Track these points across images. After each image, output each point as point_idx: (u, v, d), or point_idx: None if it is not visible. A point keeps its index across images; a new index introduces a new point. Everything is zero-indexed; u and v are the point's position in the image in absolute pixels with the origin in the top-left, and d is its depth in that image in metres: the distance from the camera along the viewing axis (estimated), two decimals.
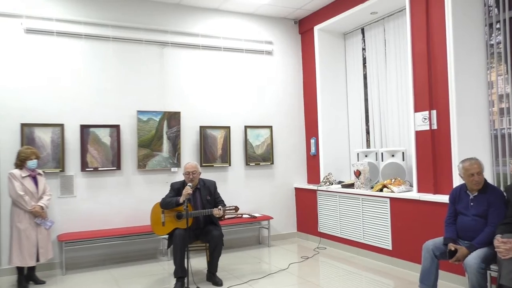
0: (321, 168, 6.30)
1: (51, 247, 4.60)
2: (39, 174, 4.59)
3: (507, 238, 3.00)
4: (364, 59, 6.12)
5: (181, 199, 4.19)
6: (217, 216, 4.27)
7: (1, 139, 4.86)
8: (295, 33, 6.75)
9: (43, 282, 4.55)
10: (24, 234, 4.33)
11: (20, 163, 4.43)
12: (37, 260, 4.41)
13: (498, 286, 3.04)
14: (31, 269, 4.52)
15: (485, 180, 3.49)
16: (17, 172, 4.40)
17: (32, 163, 4.45)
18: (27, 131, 4.92)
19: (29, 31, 5.03)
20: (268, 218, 6.07)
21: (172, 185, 4.53)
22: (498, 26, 4.33)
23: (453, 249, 3.33)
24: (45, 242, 4.48)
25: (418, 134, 4.61)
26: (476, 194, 3.46)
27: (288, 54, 6.67)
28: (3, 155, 4.83)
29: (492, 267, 3.26)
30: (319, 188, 6.05)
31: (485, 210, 3.37)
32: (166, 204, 4.33)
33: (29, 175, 4.45)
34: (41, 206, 4.42)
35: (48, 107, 5.09)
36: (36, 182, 4.51)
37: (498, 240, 3.03)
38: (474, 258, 3.15)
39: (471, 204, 3.46)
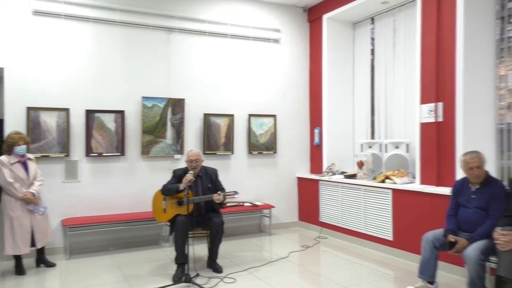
0: (324, 158, 6.30)
1: (49, 232, 4.61)
2: (29, 159, 4.50)
3: (507, 230, 3.00)
4: (373, 50, 6.07)
5: (181, 186, 4.22)
6: (217, 201, 4.28)
7: (7, 122, 4.87)
8: (304, 22, 6.70)
9: (53, 265, 4.61)
10: (17, 221, 4.27)
11: (8, 149, 4.31)
12: (34, 246, 4.41)
13: (497, 277, 3.05)
14: (41, 252, 4.58)
15: (488, 173, 3.48)
16: (5, 158, 4.29)
17: (20, 148, 4.34)
18: (33, 115, 4.95)
19: (37, 13, 5.01)
20: (269, 206, 6.09)
21: (175, 171, 4.55)
22: (511, 20, 4.26)
23: (453, 240, 3.34)
24: (41, 228, 4.45)
25: (423, 126, 4.59)
26: (478, 187, 3.46)
27: (296, 42, 6.63)
28: None
29: (492, 259, 3.26)
30: (322, 178, 6.05)
31: (486, 203, 3.37)
32: (167, 191, 4.37)
33: (18, 161, 4.34)
34: (32, 193, 4.35)
35: (54, 91, 5.10)
36: (26, 168, 4.41)
37: (498, 232, 3.03)
38: (473, 249, 3.16)
39: (473, 196, 3.46)
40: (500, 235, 3.00)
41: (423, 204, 4.46)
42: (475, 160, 3.42)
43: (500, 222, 3.18)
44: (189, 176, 4.17)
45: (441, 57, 4.43)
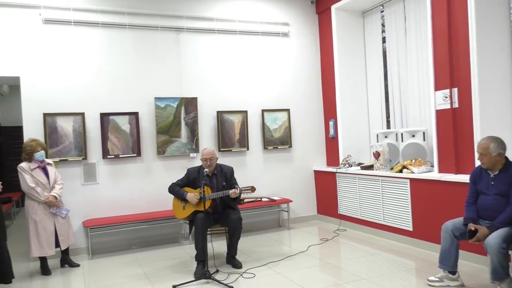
0: (340, 150, 6.25)
1: (72, 234, 4.75)
2: (49, 164, 4.65)
3: None
4: (384, 38, 5.97)
5: (188, 198, 4.34)
6: (233, 196, 4.29)
7: (26, 129, 5.01)
8: (312, 14, 6.63)
9: (77, 265, 4.74)
10: (41, 225, 4.43)
11: (28, 156, 4.46)
12: (58, 247, 4.56)
13: None
14: (65, 253, 4.72)
15: (507, 159, 3.38)
16: (25, 165, 4.44)
17: (39, 154, 4.47)
18: (49, 121, 5.07)
19: (48, 21, 5.13)
20: (287, 201, 6.09)
21: (189, 170, 4.59)
22: None
23: (473, 229, 3.26)
24: (64, 230, 4.59)
25: (439, 113, 4.49)
26: (497, 173, 3.36)
27: (305, 35, 6.57)
28: None
29: None
30: (338, 170, 6.01)
31: (506, 189, 3.28)
32: (174, 193, 4.47)
33: (38, 167, 4.49)
34: (55, 196, 4.50)
35: (69, 96, 5.20)
36: (46, 173, 4.56)
37: None
38: (495, 238, 3.08)
39: (492, 183, 3.37)
40: None
41: (442, 192, 4.38)
42: (481, 146, 3.37)
43: None
44: (194, 199, 4.29)
45: (453, 42, 4.32)
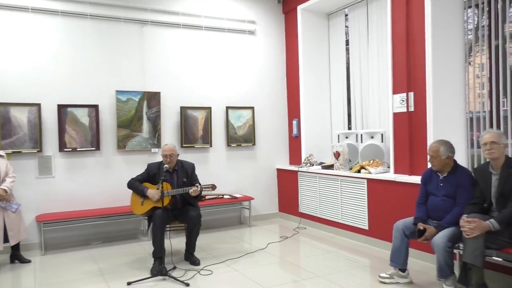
0: (303, 149, 6.34)
1: (23, 229, 4.56)
2: (0, 156, 4.46)
3: (473, 218, 3.07)
4: (347, 40, 6.09)
5: (148, 195, 4.27)
6: (193, 194, 4.27)
7: None
8: (279, 13, 6.67)
9: (28, 261, 4.57)
10: None
11: None
12: (7, 242, 4.36)
13: (463, 264, 3.13)
14: (16, 248, 4.54)
15: (455, 162, 3.54)
16: None
17: None
18: (2, 111, 4.85)
19: (3, 6, 4.89)
20: (249, 198, 6.11)
21: (149, 166, 4.53)
22: (476, 10, 4.32)
23: (422, 228, 3.40)
24: (14, 224, 4.40)
25: (396, 116, 4.64)
26: (445, 175, 3.52)
27: (271, 34, 6.61)
28: None
29: (459, 246, 3.34)
30: (300, 169, 6.09)
31: (454, 191, 3.43)
32: (133, 189, 4.39)
33: None
34: (4, 189, 4.31)
35: (24, 86, 5.00)
36: None
37: (463, 220, 3.10)
38: (441, 237, 3.22)
39: (441, 184, 3.52)
40: (465, 222, 3.08)
41: (396, 193, 4.53)
42: (431, 149, 3.53)
43: (467, 209, 3.25)
44: (155, 197, 4.20)
45: (411, 47, 4.47)
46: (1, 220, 4.32)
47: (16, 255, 4.57)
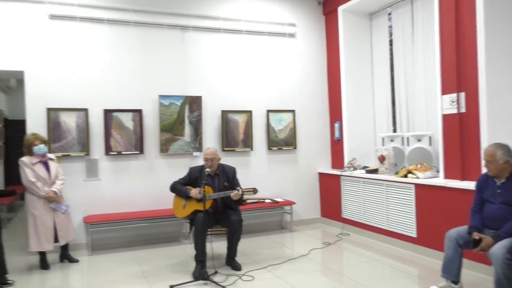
0: (345, 153, 6.17)
1: (71, 229, 4.72)
2: (51, 159, 4.62)
3: None
4: (391, 40, 5.88)
5: (191, 195, 4.28)
6: (234, 198, 4.24)
7: (29, 124, 5.01)
8: (319, 15, 6.56)
9: (76, 261, 4.73)
10: (40, 219, 4.41)
11: (27, 150, 4.46)
12: (57, 242, 4.54)
13: None
14: (65, 248, 4.71)
15: None
16: (26, 159, 4.43)
17: (38, 148, 4.44)
18: (53, 116, 5.06)
19: (53, 17, 5.12)
20: (290, 203, 6.02)
21: (191, 169, 4.55)
22: None
23: (477, 238, 3.17)
24: (63, 225, 4.56)
25: (445, 117, 4.40)
26: (503, 181, 3.27)
27: (312, 36, 6.50)
28: None
29: None
30: (343, 173, 5.93)
31: None
32: (176, 191, 4.42)
33: (39, 161, 4.47)
34: (55, 191, 4.47)
35: (73, 92, 5.20)
36: (47, 168, 4.53)
37: None
38: (499, 248, 2.99)
39: (498, 191, 3.28)
40: None
41: (447, 199, 4.29)
42: (487, 153, 3.29)
43: None
44: (199, 194, 4.21)
45: (461, 45, 4.23)
46: (51, 221, 4.50)
47: (65, 255, 4.74)
